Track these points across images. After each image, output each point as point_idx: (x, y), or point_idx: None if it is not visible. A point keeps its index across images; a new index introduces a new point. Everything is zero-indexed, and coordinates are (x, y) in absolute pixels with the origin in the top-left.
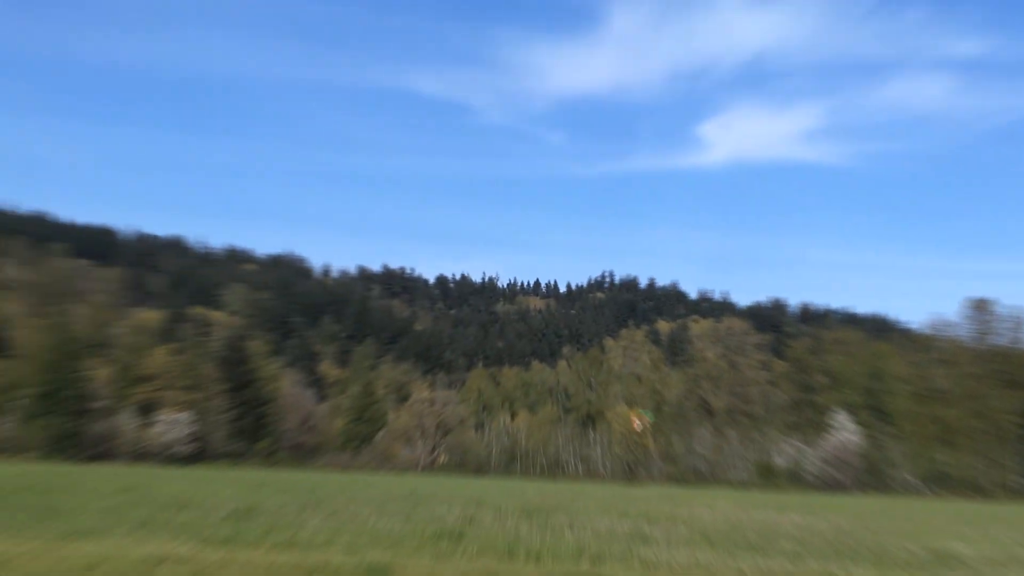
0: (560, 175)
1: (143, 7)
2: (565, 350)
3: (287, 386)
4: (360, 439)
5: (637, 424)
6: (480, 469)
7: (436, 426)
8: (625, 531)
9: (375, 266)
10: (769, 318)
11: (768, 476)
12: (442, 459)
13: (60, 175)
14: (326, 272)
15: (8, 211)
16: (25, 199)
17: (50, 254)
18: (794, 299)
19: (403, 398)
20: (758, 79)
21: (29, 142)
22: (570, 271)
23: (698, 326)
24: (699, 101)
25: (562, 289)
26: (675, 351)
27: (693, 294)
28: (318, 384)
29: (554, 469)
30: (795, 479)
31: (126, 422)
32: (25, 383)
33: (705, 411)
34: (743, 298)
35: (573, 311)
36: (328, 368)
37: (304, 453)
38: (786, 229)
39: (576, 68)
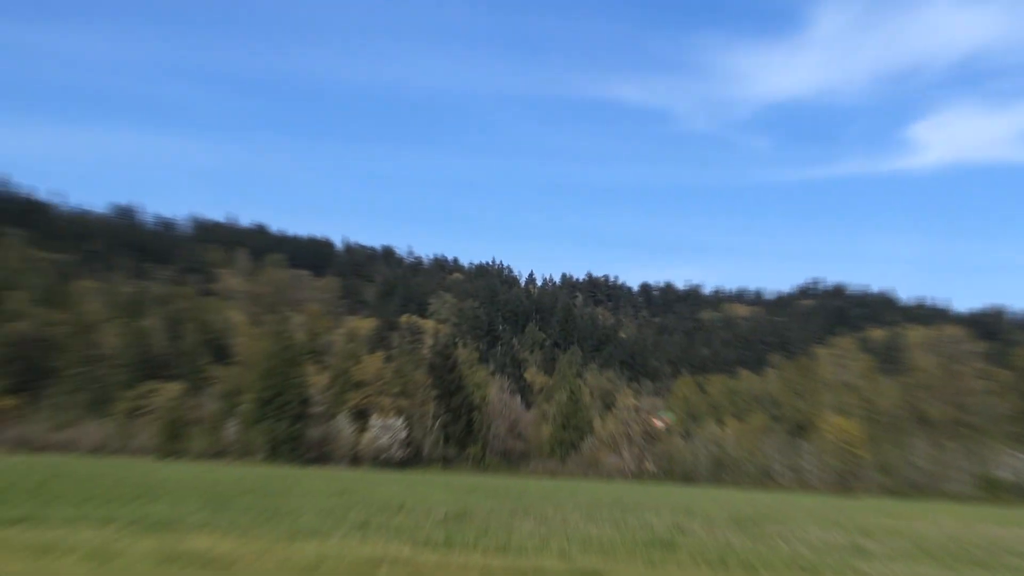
0: (764, 181)
1: (356, 27)
2: (772, 358)
3: (495, 393)
4: (567, 446)
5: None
6: (687, 477)
7: (642, 434)
8: (840, 543)
9: (579, 274)
10: (989, 325)
11: (991, 489)
12: (649, 467)
13: (279, 188)
14: (531, 280)
15: (230, 224)
16: (246, 212)
17: (270, 265)
18: (1017, 306)
19: (608, 406)
20: (973, 78)
21: (252, 157)
22: (776, 278)
23: (913, 333)
24: (909, 102)
25: (768, 296)
26: (888, 359)
27: (906, 300)
28: (524, 391)
29: (763, 478)
30: (1021, 493)
31: (342, 427)
32: (247, 389)
33: (921, 421)
34: (960, 304)
35: (780, 318)
36: (534, 375)
37: (512, 459)
38: (1006, 233)
39: (780, 72)
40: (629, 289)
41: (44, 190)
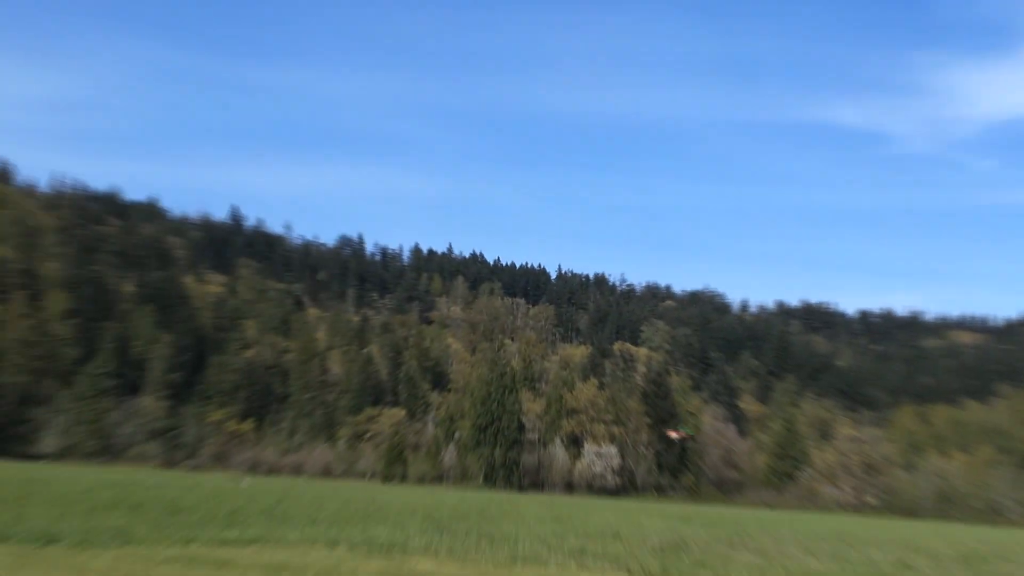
0: (989, 203)
1: (570, 59)
2: (1000, 387)
3: (708, 421)
4: (783, 476)
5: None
6: (910, 511)
7: (861, 465)
8: None
9: (794, 300)
10: None
11: None
12: (869, 499)
13: (495, 217)
14: (744, 307)
15: (449, 253)
16: (464, 241)
17: (486, 293)
18: None
19: (826, 435)
20: None
21: (470, 187)
22: (1003, 303)
23: None
24: None
25: (995, 322)
26: None
27: None
28: (739, 420)
29: (991, 514)
30: None
31: (556, 453)
32: (464, 415)
33: None
34: None
35: (1008, 346)
36: (748, 403)
37: (727, 488)
38: None
39: (1007, 90)
40: (846, 316)
41: (275, 223)
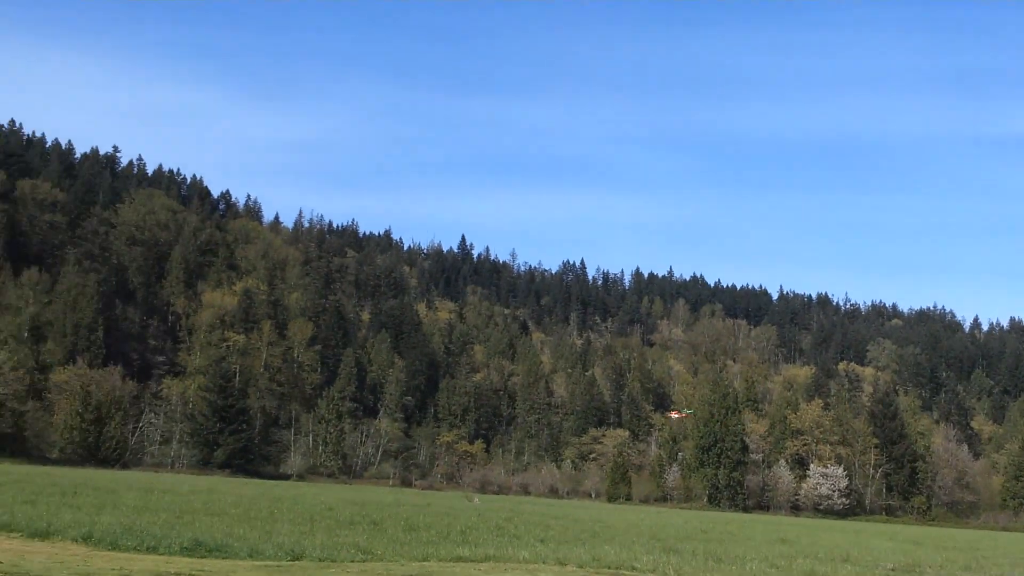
0: None
1: (783, 78)
2: None
3: (940, 442)
4: (1020, 498)
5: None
6: None
7: None
8: None
9: None
10: None
11: None
12: None
13: (715, 239)
14: (976, 325)
15: (669, 276)
16: (684, 264)
17: (707, 315)
18: None
19: None
20: None
21: (689, 210)
22: None
23: None
24: None
25: None
26: None
27: None
28: (971, 440)
29: None
30: None
31: (781, 474)
32: (687, 436)
33: None
34: None
35: None
36: (982, 424)
37: (960, 510)
38: None
39: None
40: None
41: (501, 251)
